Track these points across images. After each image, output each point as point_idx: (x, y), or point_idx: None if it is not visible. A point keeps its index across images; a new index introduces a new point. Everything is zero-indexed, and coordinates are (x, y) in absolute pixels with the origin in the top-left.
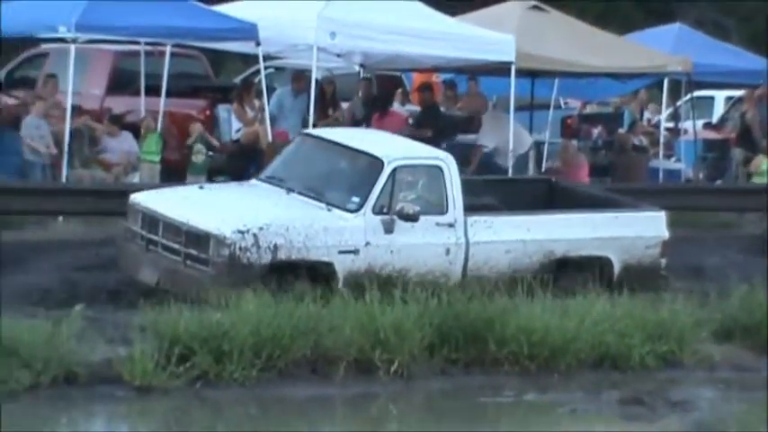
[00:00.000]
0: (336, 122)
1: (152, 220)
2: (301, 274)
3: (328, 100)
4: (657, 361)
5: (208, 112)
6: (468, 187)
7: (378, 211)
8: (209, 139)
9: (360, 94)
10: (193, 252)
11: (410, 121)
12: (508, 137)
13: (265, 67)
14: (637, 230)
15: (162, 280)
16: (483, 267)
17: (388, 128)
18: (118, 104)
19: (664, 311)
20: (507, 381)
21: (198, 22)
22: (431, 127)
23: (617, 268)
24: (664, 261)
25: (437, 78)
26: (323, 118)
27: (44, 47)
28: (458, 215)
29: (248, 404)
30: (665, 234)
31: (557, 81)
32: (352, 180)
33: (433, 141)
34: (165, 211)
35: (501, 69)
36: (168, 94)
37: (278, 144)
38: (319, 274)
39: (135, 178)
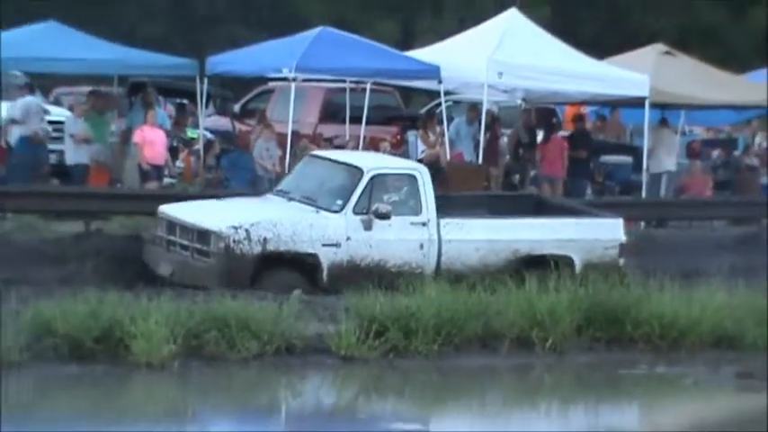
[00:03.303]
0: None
1: (171, 225)
2: (290, 264)
3: (495, 128)
4: None
5: (399, 137)
6: (465, 201)
7: (358, 211)
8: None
9: (522, 122)
10: (198, 246)
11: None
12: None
13: (445, 101)
14: (596, 234)
15: (175, 272)
16: (455, 262)
17: (551, 151)
18: (328, 131)
19: None
20: (641, 357)
21: (392, 65)
22: (584, 149)
23: (578, 266)
24: (622, 260)
25: (585, 110)
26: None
27: (271, 84)
28: (431, 216)
29: (431, 372)
30: (622, 237)
31: (683, 112)
32: (338, 187)
33: (585, 160)
34: (181, 216)
35: (637, 102)
36: (368, 123)
37: (454, 163)
38: (306, 263)
39: None
